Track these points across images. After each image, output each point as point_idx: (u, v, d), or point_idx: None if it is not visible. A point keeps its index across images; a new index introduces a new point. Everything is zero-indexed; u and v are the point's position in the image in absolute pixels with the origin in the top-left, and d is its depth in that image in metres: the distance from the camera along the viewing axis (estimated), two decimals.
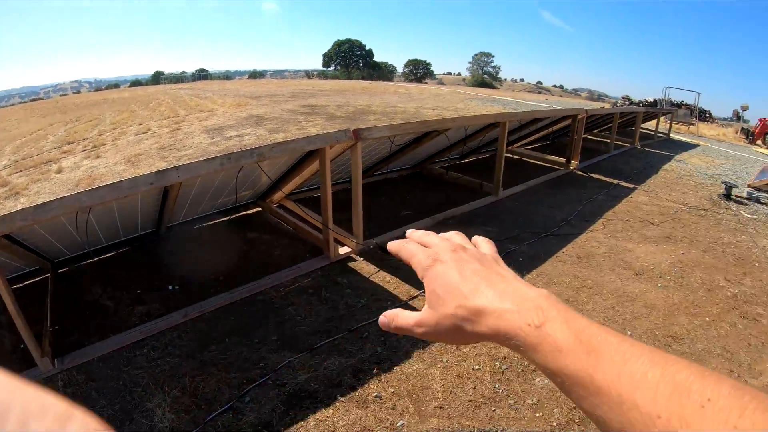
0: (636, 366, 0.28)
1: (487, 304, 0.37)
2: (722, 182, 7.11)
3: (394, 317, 0.43)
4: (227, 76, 73.39)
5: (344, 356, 2.51)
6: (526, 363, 2.64)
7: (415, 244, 0.47)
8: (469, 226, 4.63)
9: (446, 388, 2.36)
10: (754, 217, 6.07)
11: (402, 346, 2.62)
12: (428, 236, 0.48)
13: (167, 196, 3.24)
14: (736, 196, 6.88)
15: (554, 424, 2.20)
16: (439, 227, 4.53)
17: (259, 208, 4.56)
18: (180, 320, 2.77)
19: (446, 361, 2.55)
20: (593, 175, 7.14)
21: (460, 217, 4.87)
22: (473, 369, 2.52)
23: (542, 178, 6.60)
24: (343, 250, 3.61)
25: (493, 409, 2.26)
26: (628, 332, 3.05)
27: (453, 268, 0.40)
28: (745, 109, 20.53)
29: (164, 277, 3.32)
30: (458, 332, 0.38)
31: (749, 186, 7.71)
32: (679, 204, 6.03)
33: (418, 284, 3.48)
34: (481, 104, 15.56)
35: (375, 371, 2.41)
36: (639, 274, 3.85)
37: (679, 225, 5.18)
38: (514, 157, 7.88)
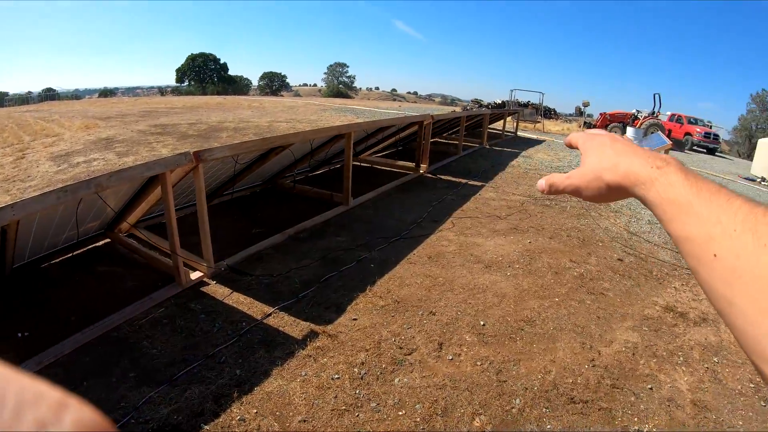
0: (727, 203, 0.44)
1: (623, 156, 0.55)
2: (562, 172, 8.75)
3: (548, 178, 0.63)
4: (76, 96, 75.83)
5: (204, 383, 2.75)
6: (384, 365, 3.03)
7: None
8: (320, 237, 5.06)
9: (308, 401, 2.67)
10: None
11: (260, 365, 2.92)
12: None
13: (6, 236, 3.39)
14: None
15: (417, 419, 2.59)
16: (291, 242, 4.88)
17: (108, 240, 4.79)
18: (35, 369, 2.89)
19: (305, 375, 2.87)
20: (443, 177, 8.15)
21: (311, 229, 5.28)
22: (332, 379, 2.86)
23: (393, 183, 7.34)
24: (195, 275, 4.01)
25: (357, 414, 2.59)
26: (482, 322, 3.61)
27: (605, 141, 0.60)
28: (586, 105, 25.43)
29: (12, 323, 3.37)
30: (599, 180, 0.56)
31: None
32: (525, 197, 7.24)
33: (271, 302, 3.71)
34: (335, 114, 17.38)
35: (236, 394, 2.67)
36: (489, 267, 4.55)
37: (525, 216, 6.24)
38: (365, 165, 8.74)
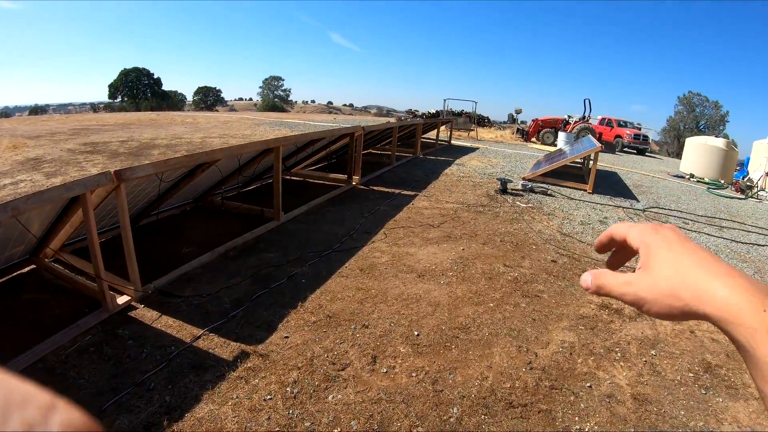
0: None
1: (717, 279, 0.45)
2: (497, 179, 8.98)
3: (599, 275, 0.53)
4: (6, 113, 76.22)
5: (133, 413, 2.69)
6: (317, 383, 2.98)
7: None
8: (251, 254, 4.93)
9: (240, 424, 2.62)
10: (529, 205, 7.83)
11: (190, 390, 2.85)
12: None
13: None
14: (512, 189, 8.76)
15: None
16: (221, 260, 4.74)
17: (34, 266, 4.67)
18: None
19: (237, 397, 2.82)
20: (376, 188, 8.18)
21: (242, 246, 5.15)
22: (265, 400, 2.81)
23: (325, 196, 7.29)
24: (122, 300, 3.98)
25: None
26: (416, 332, 3.59)
27: (676, 241, 0.51)
28: (518, 112, 26.45)
29: None
30: (677, 299, 0.47)
31: (523, 179, 9.91)
32: (458, 204, 7.37)
33: (201, 324, 3.57)
34: (269, 129, 17.36)
35: (166, 422, 2.61)
36: (422, 276, 4.56)
37: (459, 224, 6.34)
38: (298, 179, 8.69)
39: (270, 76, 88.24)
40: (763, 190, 12.80)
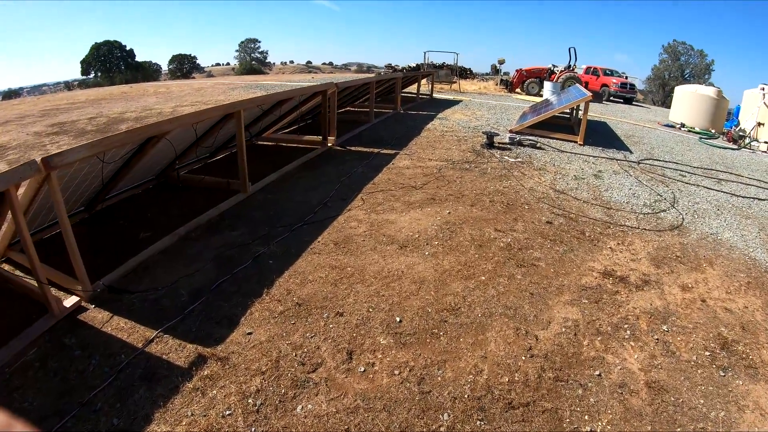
0: None
1: None
2: (483, 132, 8.43)
3: None
4: None
5: None
6: (284, 390, 2.59)
7: None
8: (215, 233, 4.41)
9: None
10: (518, 159, 7.33)
11: (141, 408, 2.54)
12: None
13: None
14: (499, 143, 8.24)
15: None
16: (181, 243, 4.22)
17: None
18: None
19: (192, 415, 2.49)
20: (353, 148, 7.59)
21: (206, 225, 4.62)
22: (224, 416, 2.46)
23: (298, 161, 6.70)
24: (70, 302, 3.59)
25: None
26: (398, 318, 3.13)
27: None
28: (501, 62, 25.60)
29: None
30: None
31: (510, 131, 9.38)
32: (442, 162, 6.84)
33: (155, 323, 3.03)
34: (244, 92, 16.54)
35: None
36: (404, 247, 4.08)
37: (443, 183, 5.83)
38: (270, 144, 8.03)
39: (246, 39, 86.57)
40: (756, 140, 12.44)
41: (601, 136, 10.59)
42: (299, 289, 3.44)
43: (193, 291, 3.45)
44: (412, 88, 16.11)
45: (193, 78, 64.29)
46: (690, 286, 4.09)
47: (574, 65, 21.35)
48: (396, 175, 6.09)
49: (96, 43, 70.91)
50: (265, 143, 7.99)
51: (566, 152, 8.31)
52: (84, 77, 72.41)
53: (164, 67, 79.33)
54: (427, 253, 3.99)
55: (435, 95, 16.82)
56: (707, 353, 3.15)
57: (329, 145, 7.70)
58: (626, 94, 23.25)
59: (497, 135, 8.29)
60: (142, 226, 4.66)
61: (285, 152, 7.38)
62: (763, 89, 13.76)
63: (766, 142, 11.97)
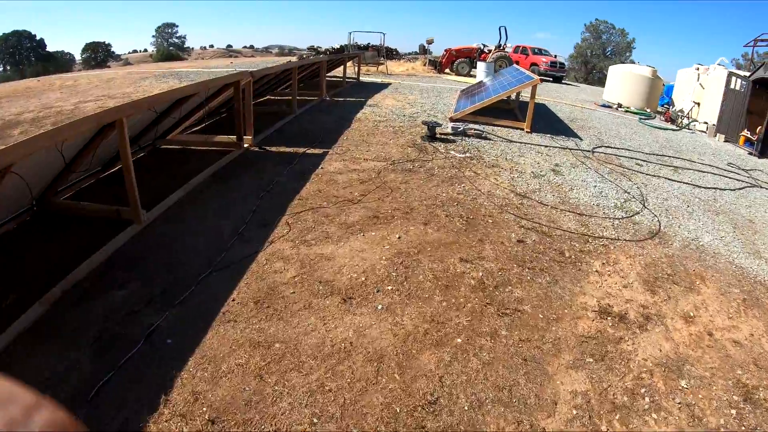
0: None
1: None
2: (423, 122, 7.52)
3: None
4: None
5: None
6: None
7: None
8: (97, 293, 3.14)
9: None
10: (467, 155, 6.50)
11: None
12: None
13: None
14: (441, 134, 7.38)
15: None
16: (55, 314, 2.90)
17: None
18: None
19: None
20: (274, 149, 6.41)
21: (87, 278, 3.31)
22: None
23: (209, 170, 5.41)
24: None
25: None
26: None
27: None
28: (430, 42, 24.73)
29: None
30: None
31: (451, 119, 8.55)
32: (380, 161, 5.87)
33: None
34: (155, 82, 14.76)
35: None
36: (349, 299, 3.08)
37: (386, 192, 4.86)
38: (176, 147, 6.61)
39: (163, 24, 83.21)
40: (695, 120, 12.35)
41: (545, 120, 9.94)
42: (211, 391, 2.35)
43: (67, 400, 2.28)
44: (338, 72, 14.98)
45: (109, 67, 61.69)
46: (692, 315, 3.50)
47: (505, 44, 20.85)
48: (327, 184, 5.06)
49: (3, 34, 68.00)
50: (170, 147, 6.66)
51: (515, 142, 7.57)
52: None
53: (78, 57, 76.07)
54: (380, 307, 3.02)
55: (362, 78, 15.78)
56: (733, 411, 2.64)
57: (246, 146, 6.48)
58: (556, 73, 23.06)
59: (439, 125, 7.40)
60: (9, 285, 3.31)
61: (194, 158, 6.10)
62: (698, 69, 13.76)
63: (705, 123, 11.87)
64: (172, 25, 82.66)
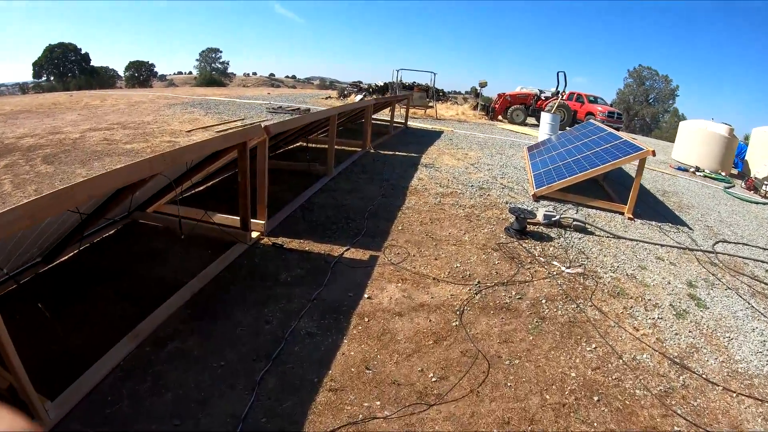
0: None
1: None
2: (510, 209, 5.34)
3: None
4: None
5: None
6: None
7: None
8: None
9: None
10: (578, 270, 4.34)
11: None
12: None
13: None
14: (530, 222, 5.26)
15: None
16: None
17: None
18: None
19: None
20: (295, 245, 4.26)
21: None
22: None
23: (185, 291, 3.27)
24: None
25: None
26: None
27: None
28: (483, 85, 22.63)
29: None
30: None
31: (535, 197, 6.43)
32: (459, 284, 3.74)
33: None
34: (179, 111, 13.38)
35: None
36: None
37: (480, 371, 2.68)
38: (156, 224, 4.56)
39: (207, 48, 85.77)
40: None
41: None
42: None
43: None
44: (384, 113, 13.05)
45: (151, 86, 64.11)
46: None
47: (563, 91, 18.67)
48: (378, 343, 2.94)
49: (50, 45, 69.50)
50: (149, 222, 4.58)
51: (625, 239, 5.38)
52: (35, 80, 70.82)
53: (122, 73, 78.63)
54: None
55: (409, 123, 13.85)
56: None
57: (254, 237, 4.42)
58: (613, 124, 20.65)
59: (530, 215, 5.21)
60: None
61: (173, 253, 4.04)
62: None
63: None
64: (216, 50, 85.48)
